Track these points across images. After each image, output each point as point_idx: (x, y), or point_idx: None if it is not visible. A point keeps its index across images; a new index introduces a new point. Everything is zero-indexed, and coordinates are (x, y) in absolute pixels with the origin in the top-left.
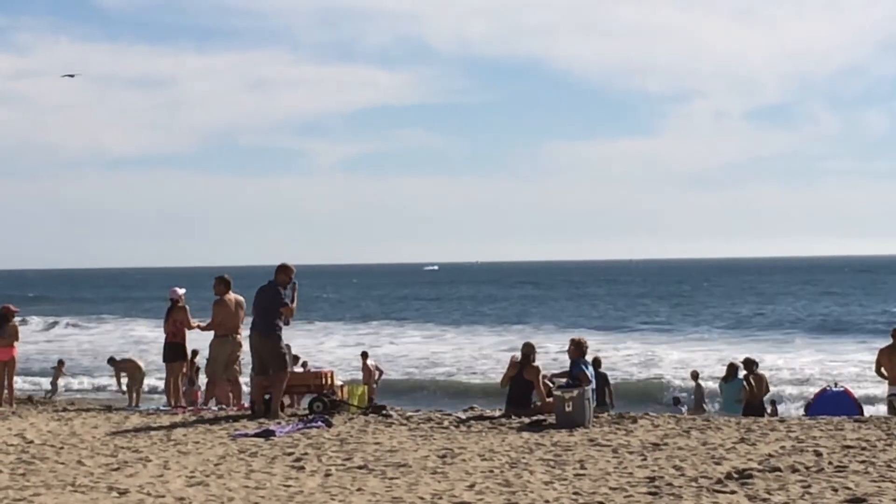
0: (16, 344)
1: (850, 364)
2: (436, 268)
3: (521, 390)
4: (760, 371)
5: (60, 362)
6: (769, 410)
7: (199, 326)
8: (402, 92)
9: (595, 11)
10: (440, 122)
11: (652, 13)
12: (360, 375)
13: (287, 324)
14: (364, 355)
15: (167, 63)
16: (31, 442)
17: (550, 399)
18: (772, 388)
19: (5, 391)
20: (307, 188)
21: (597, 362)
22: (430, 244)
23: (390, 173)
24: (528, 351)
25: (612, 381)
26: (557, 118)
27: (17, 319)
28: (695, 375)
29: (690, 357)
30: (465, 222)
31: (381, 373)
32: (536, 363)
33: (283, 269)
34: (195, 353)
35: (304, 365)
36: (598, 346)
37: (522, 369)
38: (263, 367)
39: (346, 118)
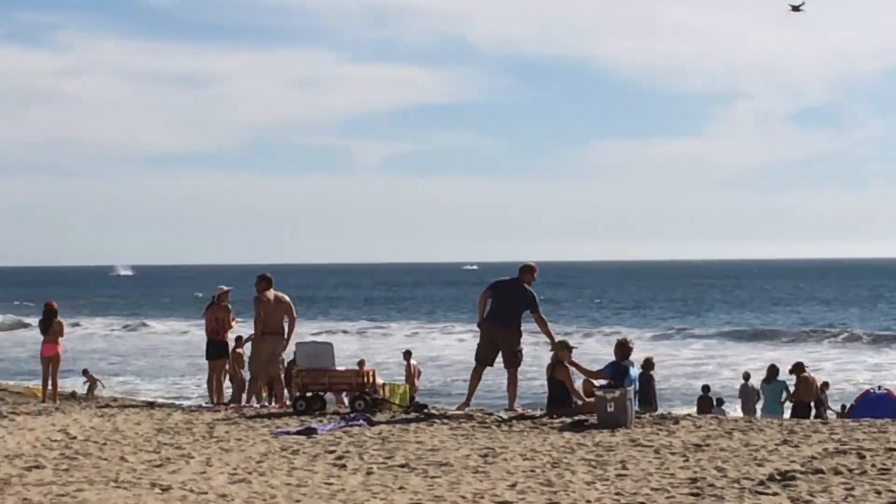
0: (60, 340)
1: None
2: (475, 267)
3: (559, 391)
4: (810, 374)
5: (85, 371)
6: (817, 413)
7: (236, 338)
8: (445, 91)
9: (639, 11)
10: (483, 122)
11: (696, 13)
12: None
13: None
14: (407, 354)
15: (211, 61)
16: (75, 438)
17: (591, 399)
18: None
19: (49, 387)
20: (349, 187)
21: (648, 363)
22: (470, 243)
23: (432, 172)
24: (558, 350)
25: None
26: (600, 118)
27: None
28: (746, 376)
29: (751, 358)
30: (506, 222)
31: (420, 372)
32: (572, 361)
33: (529, 269)
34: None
35: (361, 363)
36: (656, 348)
37: (554, 370)
38: (488, 358)
39: (389, 117)
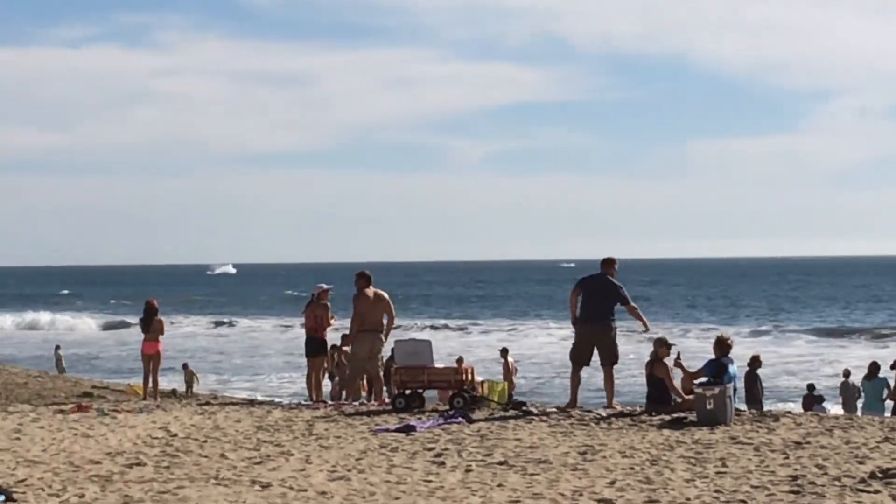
0: (161, 338)
1: None
2: (573, 265)
3: (657, 388)
4: None
5: (185, 366)
6: None
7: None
8: (544, 89)
9: (738, 7)
10: (581, 120)
11: (795, 9)
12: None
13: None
14: (504, 352)
15: (311, 60)
16: (175, 435)
17: (691, 396)
18: None
19: (150, 385)
20: (448, 185)
21: (755, 361)
22: (568, 241)
23: (531, 171)
24: (657, 348)
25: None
26: (699, 115)
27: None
28: (846, 373)
29: (852, 356)
30: (604, 219)
31: (516, 370)
32: (677, 362)
33: (611, 262)
34: (335, 347)
35: (460, 361)
36: (754, 345)
37: (653, 367)
38: (584, 357)
39: (488, 115)
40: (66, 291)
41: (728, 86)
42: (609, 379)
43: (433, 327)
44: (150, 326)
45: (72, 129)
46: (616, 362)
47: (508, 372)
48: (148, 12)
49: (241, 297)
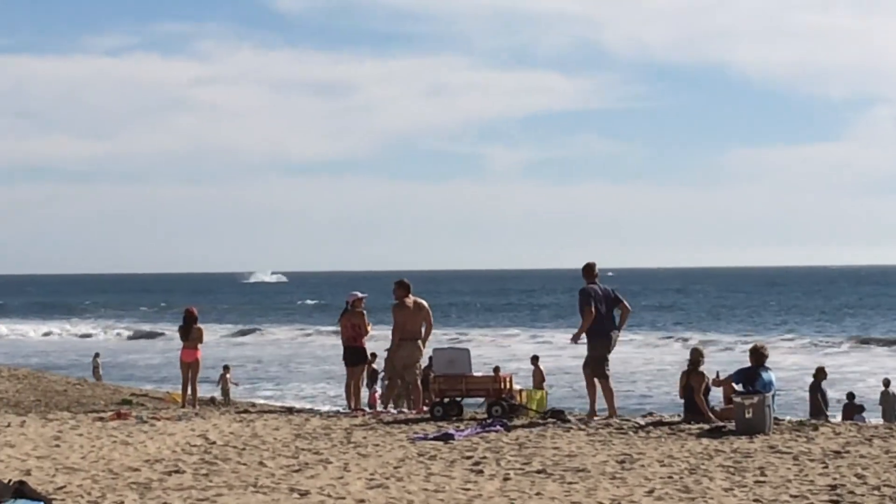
0: (200, 346)
1: None
2: (610, 273)
3: (691, 397)
4: None
5: (226, 368)
6: None
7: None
8: (580, 97)
9: (776, 15)
10: (618, 128)
11: (833, 17)
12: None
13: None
14: (535, 359)
15: (347, 69)
16: (214, 443)
17: (730, 405)
18: None
19: (189, 393)
20: (484, 193)
21: (820, 373)
22: (606, 249)
23: (567, 179)
24: (695, 357)
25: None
26: (737, 124)
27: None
28: (886, 382)
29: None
30: (642, 228)
31: (544, 378)
32: (717, 381)
33: (592, 268)
34: (373, 356)
35: (497, 370)
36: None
37: (690, 376)
38: (602, 369)
39: (523, 123)
40: (89, 301)
41: (765, 94)
42: (608, 389)
43: (464, 336)
44: (189, 334)
45: (110, 138)
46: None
47: (539, 379)
48: (186, 21)
49: (268, 306)
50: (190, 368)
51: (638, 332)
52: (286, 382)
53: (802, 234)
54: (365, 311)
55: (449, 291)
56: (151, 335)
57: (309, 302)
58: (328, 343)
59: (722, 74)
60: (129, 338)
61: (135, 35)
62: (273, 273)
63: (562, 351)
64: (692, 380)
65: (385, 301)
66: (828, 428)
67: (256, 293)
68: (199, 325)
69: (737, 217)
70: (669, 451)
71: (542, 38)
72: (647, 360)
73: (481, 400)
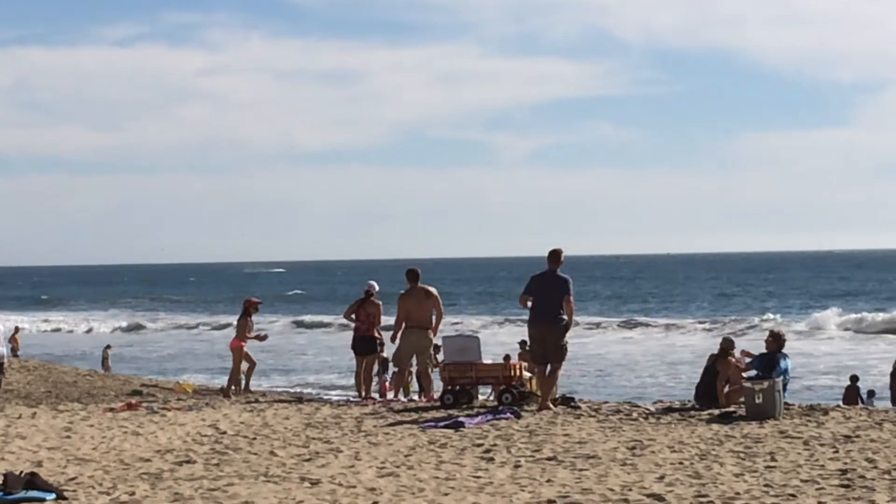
0: (246, 339)
1: None
2: (621, 259)
3: (711, 382)
4: None
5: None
6: None
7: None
8: (589, 84)
9: (784, 1)
10: (627, 115)
11: (842, 2)
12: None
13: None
14: (523, 344)
15: (355, 57)
16: (225, 433)
17: (736, 387)
18: None
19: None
20: (494, 181)
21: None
22: (616, 236)
23: (577, 166)
24: (727, 346)
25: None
26: (747, 109)
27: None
28: None
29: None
30: (652, 214)
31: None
32: (732, 359)
33: (557, 254)
34: (382, 345)
35: (507, 358)
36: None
37: (716, 361)
38: (545, 357)
39: (533, 111)
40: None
41: (775, 79)
42: (552, 377)
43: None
44: (238, 325)
45: (119, 128)
46: (563, 360)
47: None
48: (195, 11)
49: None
50: (233, 357)
51: (646, 318)
52: (297, 373)
53: (811, 218)
54: (380, 302)
55: (458, 280)
56: (139, 328)
57: (302, 292)
58: (331, 334)
59: (730, 60)
60: (135, 329)
61: (143, 25)
62: (281, 263)
63: (569, 338)
64: (719, 365)
65: (396, 289)
66: (838, 412)
67: (255, 284)
68: (250, 319)
69: (746, 202)
70: (680, 436)
71: (550, 26)
72: (653, 349)
73: (488, 388)
